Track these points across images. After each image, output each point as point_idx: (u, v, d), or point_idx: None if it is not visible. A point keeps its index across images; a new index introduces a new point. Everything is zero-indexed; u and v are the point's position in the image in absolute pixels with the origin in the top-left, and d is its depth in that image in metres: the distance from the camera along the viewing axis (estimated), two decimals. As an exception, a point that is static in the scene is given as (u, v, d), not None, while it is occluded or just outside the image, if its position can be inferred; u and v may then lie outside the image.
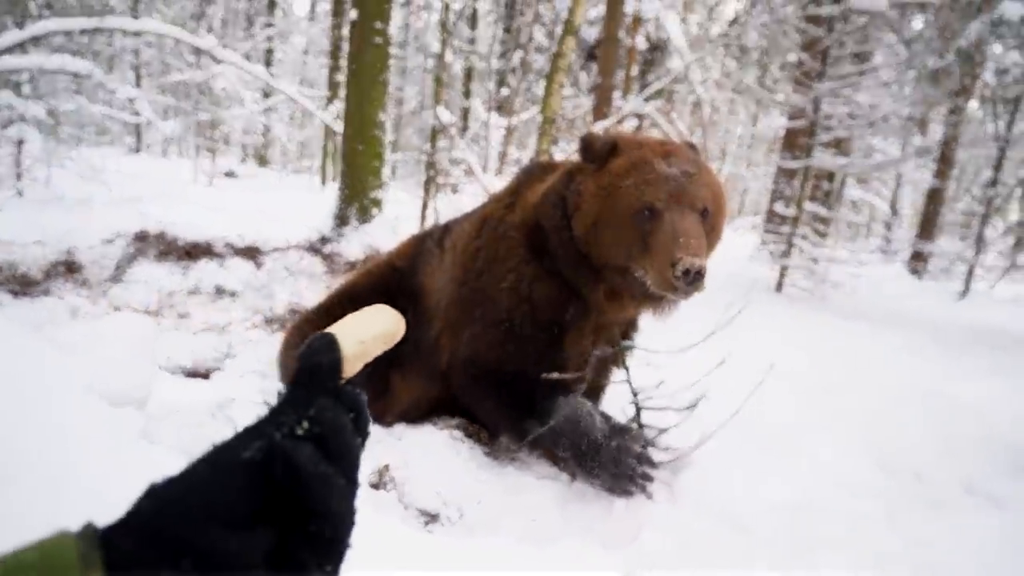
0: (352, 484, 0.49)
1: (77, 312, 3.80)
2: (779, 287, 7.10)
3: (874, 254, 9.75)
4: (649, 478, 2.07)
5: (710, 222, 1.98)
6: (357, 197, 6.10)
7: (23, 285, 4.32)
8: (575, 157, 2.30)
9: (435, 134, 7.16)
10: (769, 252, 7.60)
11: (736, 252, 8.38)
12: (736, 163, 20.51)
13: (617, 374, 2.50)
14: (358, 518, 0.48)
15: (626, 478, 2.03)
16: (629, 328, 2.51)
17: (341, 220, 6.14)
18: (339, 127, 6.73)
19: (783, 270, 7.10)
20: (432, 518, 2.00)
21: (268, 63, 17.61)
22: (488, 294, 2.24)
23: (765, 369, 2.59)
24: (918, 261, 10.73)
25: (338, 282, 3.70)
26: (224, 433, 0.48)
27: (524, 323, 2.19)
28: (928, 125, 12.68)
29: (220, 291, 4.76)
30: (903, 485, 2.40)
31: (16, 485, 1.12)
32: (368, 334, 0.58)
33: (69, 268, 4.66)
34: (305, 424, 0.48)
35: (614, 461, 2.02)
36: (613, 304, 2.14)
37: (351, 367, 0.55)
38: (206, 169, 12.69)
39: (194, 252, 5.50)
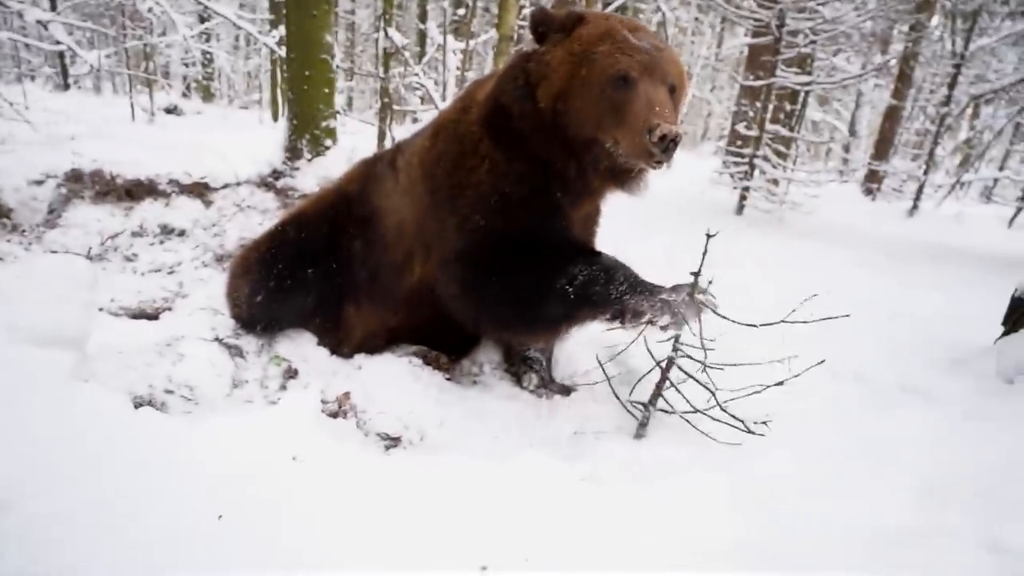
0: None
1: (5, 258, 3.57)
2: (740, 210, 7.19)
3: (832, 175, 9.91)
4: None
5: (674, 100, 1.94)
6: (308, 128, 5.77)
7: (-55, 233, 4.01)
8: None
9: (387, 58, 6.75)
10: (730, 175, 7.63)
11: (698, 175, 8.39)
12: (700, 86, 20.18)
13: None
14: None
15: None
16: (592, 222, 2.48)
17: (293, 153, 5.83)
18: (284, 52, 6.26)
19: (744, 192, 7.16)
20: (394, 442, 2.01)
21: (201, -16, 16.05)
22: (464, 186, 2.09)
23: (725, 289, 2.63)
24: (872, 181, 10.99)
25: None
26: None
27: (514, 189, 2.02)
28: (890, 44, 12.60)
29: (167, 230, 4.52)
30: (847, 386, 2.53)
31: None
32: None
33: (-5, 212, 4.33)
34: None
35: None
36: (581, 182, 2.04)
37: None
38: (145, 105, 11.78)
39: (136, 192, 5.16)
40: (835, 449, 1.99)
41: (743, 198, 7.15)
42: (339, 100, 5.92)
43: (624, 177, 2.04)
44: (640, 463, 1.76)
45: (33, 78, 16.89)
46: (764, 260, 4.91)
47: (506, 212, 2.02)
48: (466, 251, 2.08)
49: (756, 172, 7.15)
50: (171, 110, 14.14)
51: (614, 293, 1.87)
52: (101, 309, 2.73)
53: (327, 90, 5.71)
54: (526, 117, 1.96)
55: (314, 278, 2.38)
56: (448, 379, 2.50)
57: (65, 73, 18.09)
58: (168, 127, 10.76)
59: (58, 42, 8.20)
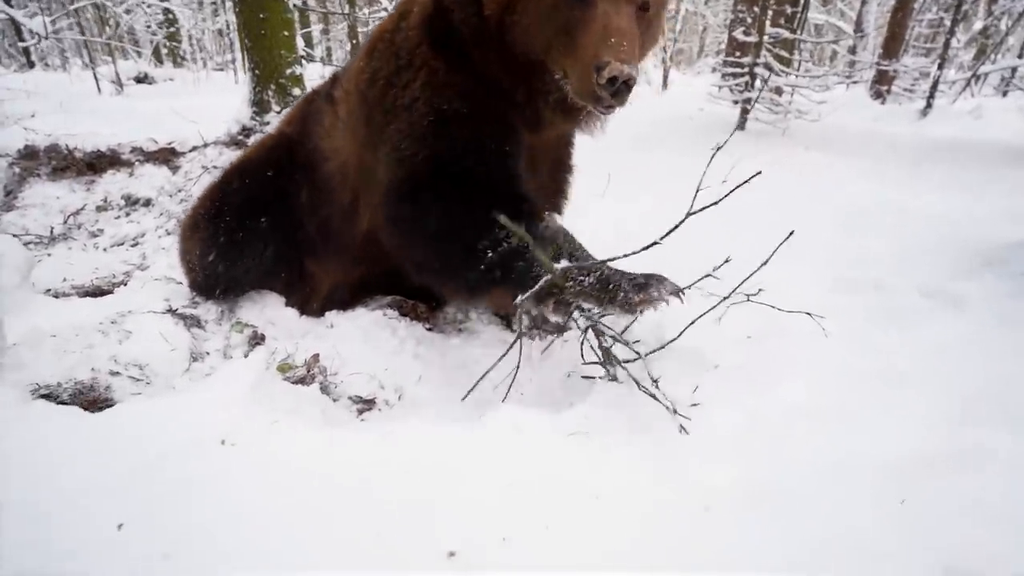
0: None
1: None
2: (742, 124, 6.77)
3: (838, 79, 9.28)
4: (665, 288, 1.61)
5: (648, 18, 1.62)
6: (271, 77, 5.37)
7: None
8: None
9: (351, -7, 6.22)
10: (729, 89, 7.14)
11: (695, 94, 7.89)
12: None
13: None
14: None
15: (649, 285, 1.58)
16: (563, 156, 2.20)
17: (260, 107, 5.45)
18: (234, -4, 5.76)
19: (745, 105, 6.71)
20: (367, 404, 1.84)
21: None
22: (397, 108, 1.78)
23: (727, 211, 2.37)
24: (882, 83, 10.32)
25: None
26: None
27: (451, 105, 1.71)
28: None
29: (132, 201, 4.28)
30: (864, 298, 2.31)
31: None
32: None
33: (-52, 199, 4.09)
34: None
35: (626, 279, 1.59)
36: (532, 111, 1.75)
37: None
38: (112, 77, 11.22)
39: (98, 164, 4.89)
40: (853, 370, 1.78)
41: (744, 111, 6.71)
42: (317, 52, 5.47)
43: (576, 114, 1.75)
44: (636, 405, 1.57)
45: (-2, 62, 16.19)
46: (768, 174, 4.59)
47: (440, 133, 1.71)
48: (394, 184, 1.79)
49: (757, 82, 6.68)
50: (141, 79, 13.55)
51: (537, 274, 1.57)
52: (51, 291, 2.53)
53: (286, 33, 5.28)
54: (469, 24, 1.65)
55: (267, 228, 2.14)
56: (429, 329, 2.30)
57: (27, 51, 17.35)
58: (136, 97, 10.30)
59: None
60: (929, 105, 8.20)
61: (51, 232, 3.98)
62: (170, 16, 14.55)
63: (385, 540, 0.99)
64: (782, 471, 1.30)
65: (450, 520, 1.04)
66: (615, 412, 1.48)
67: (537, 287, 1.52)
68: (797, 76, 6.64)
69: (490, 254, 1.62)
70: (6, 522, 0.89)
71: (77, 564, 0.86)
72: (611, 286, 1.57)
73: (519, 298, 1.54)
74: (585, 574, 0.96)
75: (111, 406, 1.59)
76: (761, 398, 1.59)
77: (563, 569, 0.97)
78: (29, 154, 4.69)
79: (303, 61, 5.55)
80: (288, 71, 5.42)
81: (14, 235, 3.89)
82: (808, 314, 2.01)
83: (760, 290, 2.24)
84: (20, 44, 11.92)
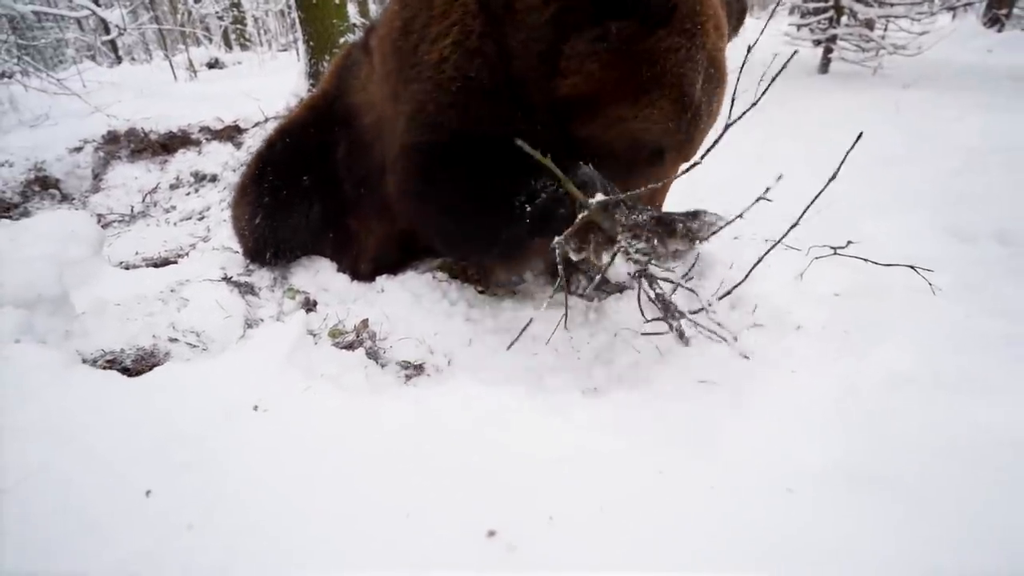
0: None
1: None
2: (825, 67, 6.10)
3: (943, 4, 8.12)
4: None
5: None
6: (325, 47, 5.37)
7: (2, 210, 4.12)
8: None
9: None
10: (810, 28, 6.43)
11: (772, 35, 7.18)
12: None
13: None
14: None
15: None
16: None
17: (315, 78, 5.48)
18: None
19: (829, 45, 6.04)
20: (416, 370, 1.76)
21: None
22: (423, 65, 1.67)
23: (812, 158, 2.08)
24: (999, 6, 8.98)
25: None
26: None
27: (481, 73, 1.61)
28: None
29: (200, 177, 4.45)
30: (984, 251, 1.97)
31: None
32: None
33: (43, 184, 4.41)
34: None
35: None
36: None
37: None
38: (185, 64, 11.77)
39: (171, 144, 5.13)
40: (972, 332, 1.51)
41: (828, 51, 6.04)
42: (351, 9, 5.43)
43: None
44: (705, 366, 1.38)
45: (94, 58, 17.44)
46: (854, 118, 4.09)
47: (467, 104, 1.61)
48: (413, 151, 1.70)
49: (844, 16, 5.97)
50: (213, 64, 14.12)
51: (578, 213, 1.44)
52: (123, 263, 2.65)
53: (337, 1, 5.23)
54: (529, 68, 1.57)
55: (311, 186, 2.08)
56: (481, 292, 2.20)
57: (115, 48, 18.56)
58: (207, 81, 10.73)
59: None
60: (1058, 28, 7.05)
61: (131, 210, 4.21)
62: (235, 1, 14.99)
63: (416, 517, 0.90)
64: (886, 449, 1.10)
65: (490, 497, 0.93)
66: (679, 374, 1.31)
67: (575, 226, 1.36)
68: (892, 4, 5.87)
69: (527, 208, 1.51)
70: (25, 490, 0.88)
71: (99, 534, 0.83)
72: (664, 219, 1.46)
73: (556, 240, 1.38)
74: (635, 566, 0.82)
75: (166, 372, 1.61)
76: (856, 364, 1.36)
77: (613, 557, 0.84)
78: (111, 139, 4.96)
79: (355, 29, 5.51)
80: (342, 40, 5.39)
81: (99, 215, 4.15)
82: (911, 267, 1.73)
83: (849, 242, 1.96)
84: (104, 39, 12.68)
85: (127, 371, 1.69)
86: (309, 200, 2.08)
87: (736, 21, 1.85)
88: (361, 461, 1.01)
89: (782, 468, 1.04)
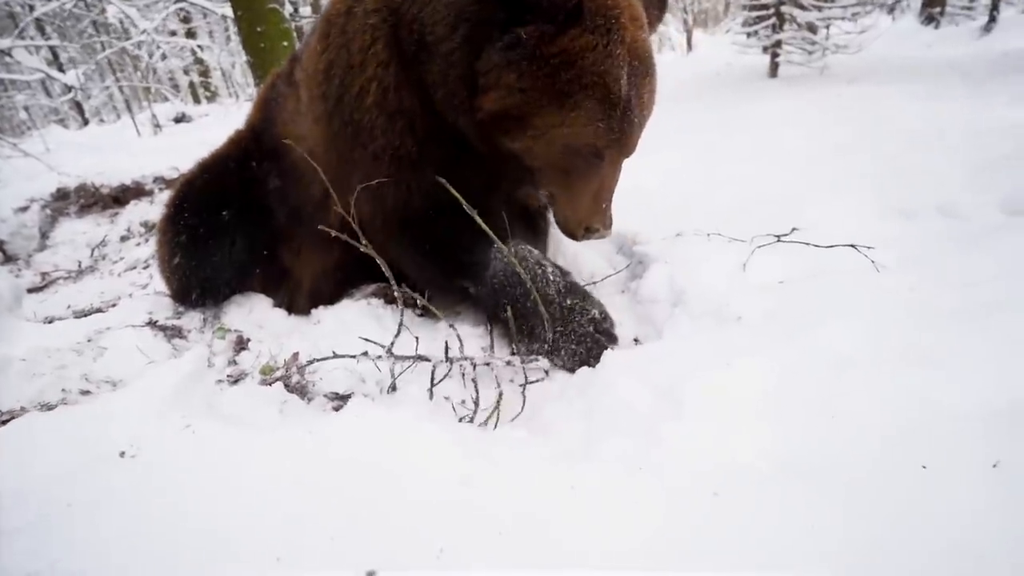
0: None
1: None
2: (774, 71, 6.23)
3: (880, 2, 8.38)
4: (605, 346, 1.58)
5: None
6: (277, 91, 5.39)
7: (-58, 275, 3.95)
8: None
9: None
10: (756, 36, 6.59)
11: (723, 49, 7.36)
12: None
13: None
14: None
15: (583, 349, 1.57)
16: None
17: (269, 122, 5.48)
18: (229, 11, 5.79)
19: (775, 49, 6.17)
20: (344, 400, 1.65)
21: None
22: (357, 120, 1.67)
23: (757, 157, 2.04)
24: (933, 5, 9.32)
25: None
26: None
27: (405, 140, 1.64)
28: None
29: (150, 227, 4.31)
30: (929, 224, 1.93)
31: None
32: None
33: (-12, 246, 4.26)
34: None
35: (571, 331, 1.57)
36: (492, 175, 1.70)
37: None
38: (147, 119, 11.74)
39: (123, 197, 5.02)
40: (920, 307, 1.43)
41: (775, 56, 6.17)
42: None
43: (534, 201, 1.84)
44: (646, 364, 1.29)
45: (63, 122, 17.40)
46: (802, 117, 4.13)
47: (407, 174, 1.68)
48: (380, 213, 1.77)
49: (786, 23, 6.12)
50: (180, 119, 14.10)
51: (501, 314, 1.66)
52: (48, 318, 2.51)
53: (285, 43, 5.25)
54: (446, 88, 1.57)
55: (232, 221, 1.99)
56: (420, 315, 2.10)
57: (82, 110, 18.56)
58: (171, 135, 10.69)
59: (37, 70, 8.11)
60: (993, 19, 7.32)
61: (79, 266, 4.06)
62: (197, 55, 15.11)
63: (287, 561, 0.78)
64: (826, 435, 1.01)
65: (374, 531, 0.82)
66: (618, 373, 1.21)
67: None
68: (830, 7, 6.03)
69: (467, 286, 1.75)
70: None
71: None
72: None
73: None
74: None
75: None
76: (796, 348, 1.28)
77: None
78: (61, 196, 4.84)
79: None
80: (293, 81, 5.41)
81: (43, 272, 4.00)
82: (852, 246, 1.67)
83: (794, 229, 1.91)
84: (64, 99, 12.66)
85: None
86: (229, 235, 1.98)
87: (657, 11, 1.82)
88: (233, 502, 0.89)
89: (711, 470, 0.94)
